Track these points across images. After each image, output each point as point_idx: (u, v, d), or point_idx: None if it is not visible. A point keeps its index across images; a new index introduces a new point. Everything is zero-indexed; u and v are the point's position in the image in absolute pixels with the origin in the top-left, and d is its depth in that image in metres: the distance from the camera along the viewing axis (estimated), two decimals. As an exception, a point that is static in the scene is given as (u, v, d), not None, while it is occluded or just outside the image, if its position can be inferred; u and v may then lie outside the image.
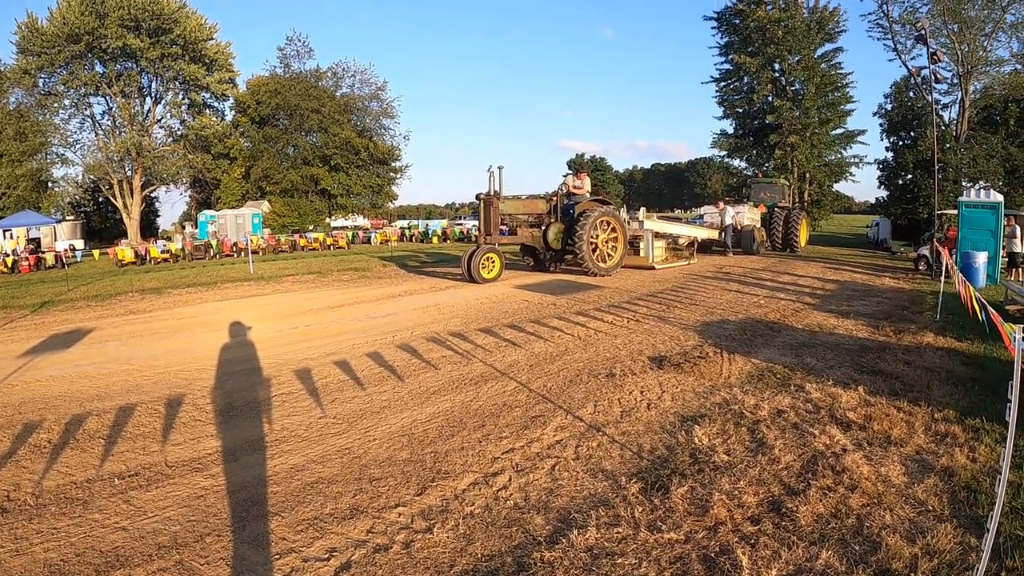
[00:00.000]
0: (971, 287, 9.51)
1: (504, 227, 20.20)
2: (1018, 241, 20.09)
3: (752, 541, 3.94)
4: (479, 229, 18.92)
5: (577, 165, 22.69)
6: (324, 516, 4.40)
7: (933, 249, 20.48)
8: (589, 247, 18.77)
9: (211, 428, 6.19)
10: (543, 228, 19.45)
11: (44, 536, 4.25)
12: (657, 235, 22.46)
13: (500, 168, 18.15)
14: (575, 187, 20.39)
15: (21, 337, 11.54)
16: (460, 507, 4.49)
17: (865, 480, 4.71)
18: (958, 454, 5.18)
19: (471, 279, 17.45)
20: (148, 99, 52.23)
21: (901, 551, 3.77)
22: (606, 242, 19.66)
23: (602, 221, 19.41)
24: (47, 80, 47.38)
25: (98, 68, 47.97)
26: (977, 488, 4.59)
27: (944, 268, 13.36)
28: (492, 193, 18.13)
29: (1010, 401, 3.22)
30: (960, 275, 11.37)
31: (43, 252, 33.56)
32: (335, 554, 3.93)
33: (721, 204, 28.10)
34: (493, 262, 18.01)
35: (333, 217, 64.28)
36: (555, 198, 19.77)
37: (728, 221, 28.18)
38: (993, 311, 5.75)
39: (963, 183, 34.51)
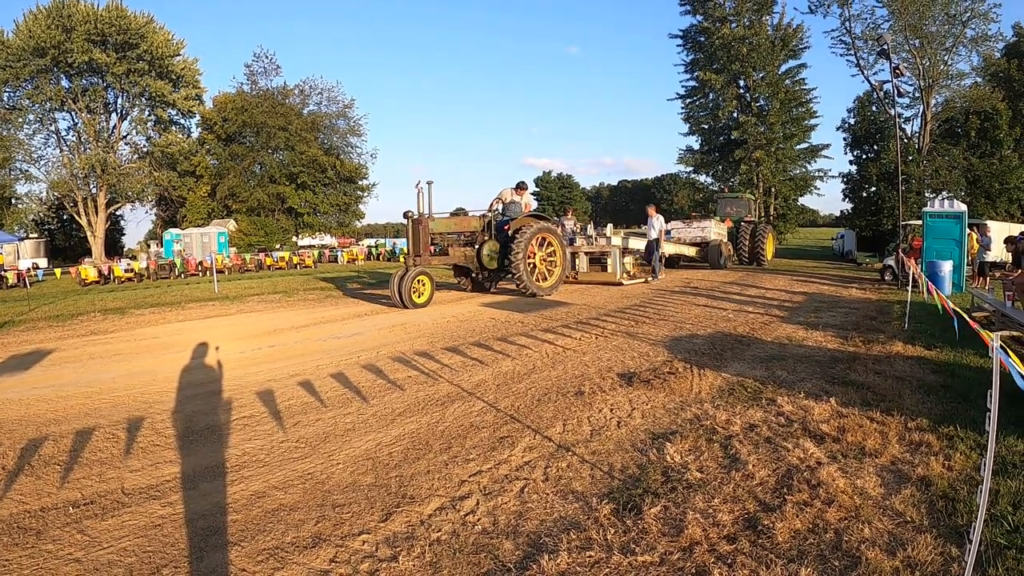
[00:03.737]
0: (942, 296, 9.60)
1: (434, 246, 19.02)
2: (990, 251, 20.45)
3: (729, 560, 3.86)
4: (407, 250, 17.80)
5: (518, 182, 21.62)
6: (285, 545, 4.27)
7: (899, 259, 20.73)
8: (526, 266, 17.92)
9: (170, 453, 6.02)
10: (476, 247, 18.41)
11: (-7, 569, 4.08)
12: (625, 251, 22.50)
13: (429, 183, 17.42)
14: (511, 202, 19.26)
15: (-23, 359, 11.27)
16: (426, 533, 4.37)
17: (841, 493, 4.66)
18: (934, 463, 5.15)
19: (401, 304, 16.26)
20: (114, 115, 51.94)
21: (882, 565, 3.71)
22: (544, 260, 18.88)
23: (539, 238, 18.61)
24: (11, 94, 46.95)
25: (64, 83, 47.65)
26: (955, 497, 4.56)
27: (911, 278, 13.49)
28: (421, 212, 17.34)
29: (989, 410, 3.19)
30: (930, 283, 11.50)
31: (5, 271, 32.94)
32: (296, 585, 3.81)
33: (652, 209, 24.44)
34: (424, 285, 16.86)
35: (300, 236, 64.06)
36: (488, 215, 18.82)
37: (653, 235, 23.88)
38: (968, 318, 5.77)
39: (926, 194, 35.08)
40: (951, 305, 8.83)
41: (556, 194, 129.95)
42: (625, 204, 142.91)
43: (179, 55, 51.69)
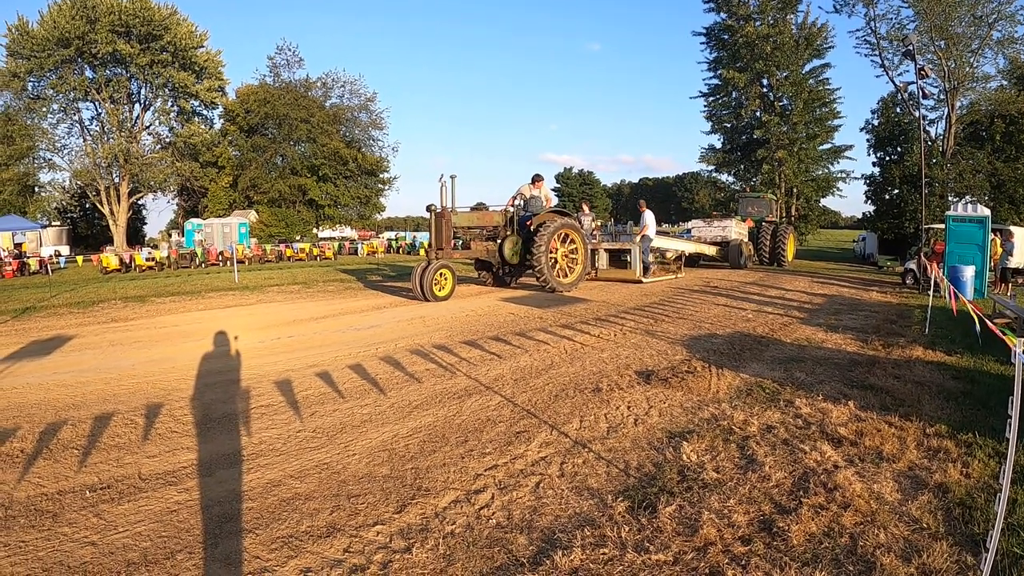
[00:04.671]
0: (964, 298, 9.49)
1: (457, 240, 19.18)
2: (1012, 257, 20.19)
3: (743, 562, 3.83)
4: (430, 243, 17.68)
5: (534, 175, 21.14)
6: (300, 534, 4.27)
7: (920, 263, 20.53)
8: (548, 261, 17.89)
9: (187, 440, 6.05)
10: (499, 242, 18.48)
11: (11, 550, 4.10)
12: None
13: (453, 178, 17.38)
14: (532, 197, 19.21)
15: (0, 343, 11.36)
16: (441, 526, 4.37)
17: (858, 497, 4.61)
18: (951, 470, 5.10)
19: (423, 297, 16.23)
20: (137, 105, 52.23)
21: (897, 571, 3.67)
22: (565, 256, 18.83)
23: (561, 233, 18.53)
24: (36, 84, 47.31)
25: (87, 73, 47.94)
26: (972, 505, 4.50)
27: (932, 282, 13.34)
28: (444, 205, 17.25)
29: (1010, 417, 3.14)
30: (952, 288, 11.37)
31: (27, 257, 33.24)
32: (310, 574, 3.80)
33: (643, 204, 22.93)
34: (446, 278, 16.82)
35: (320, 228, 64.23)
36: (510, 209, 18.87)
37: (649, 232, 22.22)
38: (991, 324, 5.70)
39: (950, 198, 34.72)
40: (973, 308, 8.73)
41: (577, 190, 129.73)
42: (646, 202, 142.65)
43: (202, 47, 51.92)
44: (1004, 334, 4.72)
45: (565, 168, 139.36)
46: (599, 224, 25.28)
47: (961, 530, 4.17)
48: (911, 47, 22.56)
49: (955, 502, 4.57)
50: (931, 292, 13.11)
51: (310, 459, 5.58)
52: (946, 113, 39.83)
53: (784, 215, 42.42)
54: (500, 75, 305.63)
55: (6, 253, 34.27)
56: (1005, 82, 39.49)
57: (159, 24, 47.18)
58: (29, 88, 47.07)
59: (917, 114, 29.93)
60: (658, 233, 25.42)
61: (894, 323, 13.02)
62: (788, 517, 4.36)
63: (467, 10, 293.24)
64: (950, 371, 8.66)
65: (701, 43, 48.71)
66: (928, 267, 16.36)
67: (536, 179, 19.44)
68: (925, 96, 23.25)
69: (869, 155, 44.69)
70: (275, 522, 4.44)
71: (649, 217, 21.98)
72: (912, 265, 22.04)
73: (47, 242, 45.04)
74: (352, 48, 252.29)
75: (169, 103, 52.75)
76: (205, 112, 56.35)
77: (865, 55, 41.44)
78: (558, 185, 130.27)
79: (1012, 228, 24.35)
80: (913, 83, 23.17)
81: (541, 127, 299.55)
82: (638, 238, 21.89)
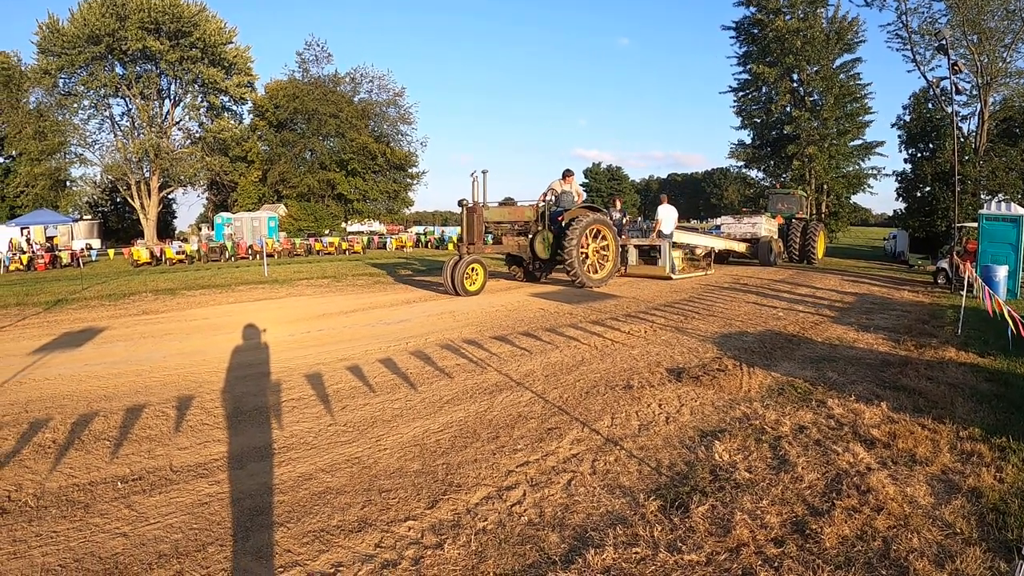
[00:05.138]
0: (999, 299, 9.32)
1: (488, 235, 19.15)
2: None
3: (776, 564, 3.77)
4: (461, 238, 17.73)
5: (564, 169, 20.82)
6: (331, 528, 4.26)
7: (952, 262, 20.23)
8: (579, 257, 17.84)
9: (218, 433, 6.07)
10: (530, 237, 18.36)
11: (43, 539, 4.13)
12: (674, 245, 22.19)
13: (484, 173, 17.19)
14: (563, 192, 19.07)
15: (33, 334, 11.49)
16: (472, 522, 4.34)
17: (891, 501, 4.53)
18: (985, 474, 5.00)
19: (454, 291, 16.25)
20: (167, 101, 52.79)
21: (930, 576, 3.60)
22: (596, 251, 18.76)
23: (592, 229, 18.51)
24: (67, 80, 47.97)
25: (118, 69, 48.51)
26: (1005, 510, 4.42)
27: (965, 282, 13.12)
28: (475, 200, 17.18)
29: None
30: (986, 288, 11.16)
31: (59, 250, 33.65)
32: (341, 569, 3.79)
33: (664, 198, 22.72)
34: (477, 273, 16.81)
35: (349, 222, 64.52)
36: (541, 205, 18.69)
37: (667, 229, 21.78)
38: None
39: (982, 196, 34.14)
40: (1009, 311, 8.57)
41: (605, 186, 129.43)
42: (675, 198, 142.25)
43: (231, 43, 52.29)
44: None
45: (593, 163, 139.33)
46: (629, 219, 25.13)
47: (994, 536, 4.10)
48: (944, 41, 22.19)
49: (988, 507, 4.49)
50: (964, 292, 12.90)
51: (341, 453, 5.58)
52: (979, 109, 39.05)
53: (814, 212, 41.95)
54: (529, 70, 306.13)
55: (38, 246, 34.71)
56: (1038, 78, 38.78)
57: (188, 21, 47.60)
58: (60, 85, 47.78)
59: (949, 110, 29.45)
60: (687, 229, 25.23)
61: (926, 323, 12.83)
62: (821, 519, 4.30)
63: (494, 6, 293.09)
64: (983, 373, 8.51)
65: (731, 37, 48.35)
66: (960, 266, 16.10)
67: (566, 174, 19.38)
68: (958, 92, 22.90)
69: (900, 151, 44.07)
70: (306, 516, 4.44)
71: (665, 211, 21.80)
72: (944, 264, 21.71)
73: (78, 235, 45.62)
74: (380, 43, 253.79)
75: (199, 99, 53.29)
76: (234, 107, 56.90)
77: (896, 49, 40.63)
78: (586, 180, 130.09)
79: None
80: (945, 78, 22.79)
81: (570, 122, 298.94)
82: (654, 233, 21.80)
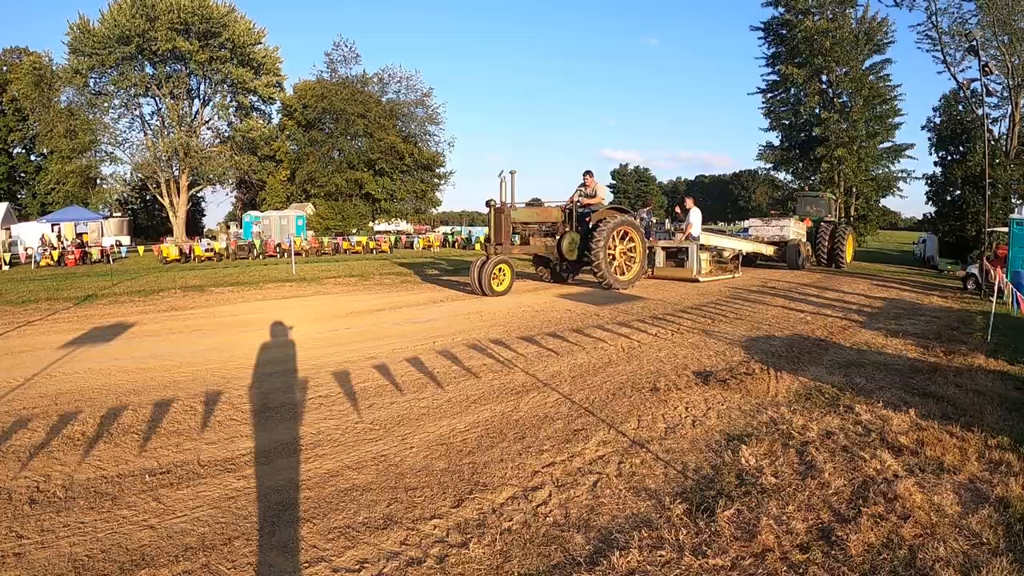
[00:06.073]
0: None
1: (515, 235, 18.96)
2: None
3: (801, 570, 3.72)
4: (489, 238, 17.72)
5: (585, 170, 20.52)
6: (357, 525, 4.27)
7: (983, 268, 19.97)
8: (606, 258, 17.77)
9: (246, 428, 6.10)
10: (557, 238, 18.35)
11: (71, 530, 4.17)
12: (702, 247, 22.07)
13: (512, 173, 17.14)
14: (588, 194, 19.01)
15: (63, 329, 11.64)
16: (498, 522, 4.33)
17: (918, 509, 4.45)
18: (1013, 484, 4.90)
19: (481, 291, 16.20)
20: (196, 101, 53.36)
21: (957, 586, 3.55)
22: (624, 253, 18.69)
23: (620, 231, 18.40)
24: (98, 80, 48.65)
25: (148, 69, 49.13)
26: (1034, 521, 4.33)
27: (995, 288, 12.94)
28: (503, 200, 17.12)
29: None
30: (1017, 293, 10.98)
31: (89, 247, 34.05)
32: (366, 565, 3.79)
33: (690, 201, 22.75)
34: (504, 273, 16.81)
35: (376, 221, 64.77)
36: (569, 206, 18.67)
37: (695, 233, 21.77)
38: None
39: (1013, 200, 33.67)
40: None
41: (632, 187, 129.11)
42: (703, 200, 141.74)
43: (260, 43, 52.71)
44: None
45: (621, 165, 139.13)
46: (656, 221, 25.04)
47: (1021, 547, 4.01)
48: (975, 42, 21.95)
49: (1016, 517, 4.39)
50: (994, 298, 12.72)
51: (368, 450, 5.59)
52: (1010, 111, 38.48)
53: (843, 215, 41.53)
54: (557, 70, 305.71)
55: (69, 243, 35.13)
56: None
57: (217, 22, 48.03)
58: (91, 84, 48.46)
59: (980, 112, 29.10)
60: (714, 231, 25.08)
61: (955, 329, 12.64)
62: (847, 526, 4.24)
63: (521, 6, 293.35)
64: (1013, 381, 8.35)
65: (759, 38, 47.97)
66: (991, 272, 15.87)
67: (587, 174, 19.33)
68: (989, 93, 22.72)
69: (930, 154, 43.71)
70: (332, 512, 4.44)
71: (695, 216, 21.76)
72: (974, 269, 21.42)
73: (108, 232, 46.07)
74: (408, 44, 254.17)
75: (228, 98, 53.77)
76: (263, 107, 57.36)
77: (927, 50, 40.13)
78: (613, 182, 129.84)
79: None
80: (976, 80, 22.61)
81: (598, 122, 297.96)
82: (682, 236, 21.68)
